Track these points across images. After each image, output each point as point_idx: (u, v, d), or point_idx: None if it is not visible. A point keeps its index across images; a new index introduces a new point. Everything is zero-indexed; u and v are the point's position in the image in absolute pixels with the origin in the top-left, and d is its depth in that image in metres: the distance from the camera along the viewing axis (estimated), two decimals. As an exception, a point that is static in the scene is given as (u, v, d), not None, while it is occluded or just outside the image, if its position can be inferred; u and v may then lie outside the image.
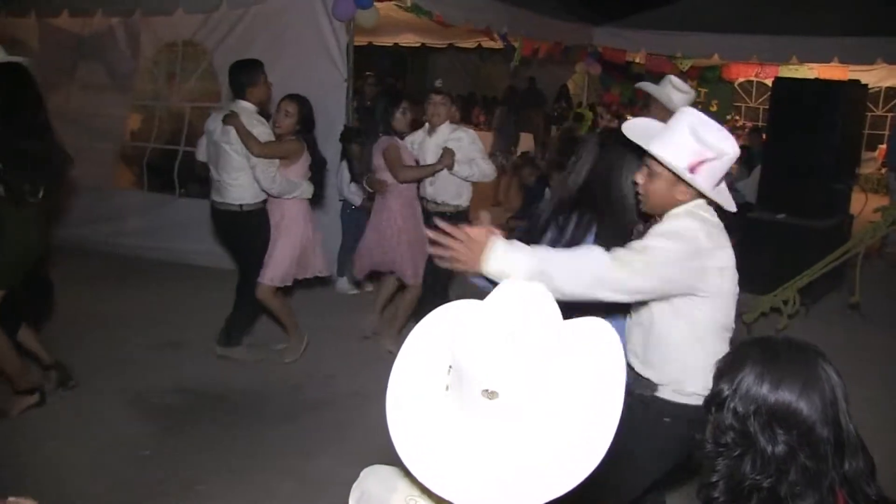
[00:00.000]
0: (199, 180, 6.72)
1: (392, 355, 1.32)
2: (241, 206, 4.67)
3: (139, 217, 7.29)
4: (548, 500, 1.11)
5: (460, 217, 5.03)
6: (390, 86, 8.28)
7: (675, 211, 2.30)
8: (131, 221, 7.31)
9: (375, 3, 6.25)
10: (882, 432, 3.28)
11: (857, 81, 7.93)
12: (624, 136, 2.32)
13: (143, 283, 6.43)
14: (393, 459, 1.25)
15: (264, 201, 4.73)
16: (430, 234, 2.15)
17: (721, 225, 2.34)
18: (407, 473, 1.21)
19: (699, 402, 2.20)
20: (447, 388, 1.24)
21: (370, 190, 5.20)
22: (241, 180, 4.63)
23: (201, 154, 4.97)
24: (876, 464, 1.49)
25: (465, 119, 14.44)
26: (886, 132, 12.90)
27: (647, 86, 4.34)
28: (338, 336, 5.42)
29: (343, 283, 6.40)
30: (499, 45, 9.41)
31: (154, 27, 7.21)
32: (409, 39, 11.82)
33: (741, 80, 15.23)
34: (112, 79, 7.51)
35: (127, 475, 3.65)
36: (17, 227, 3.96)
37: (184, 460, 3.80)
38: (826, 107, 6.58)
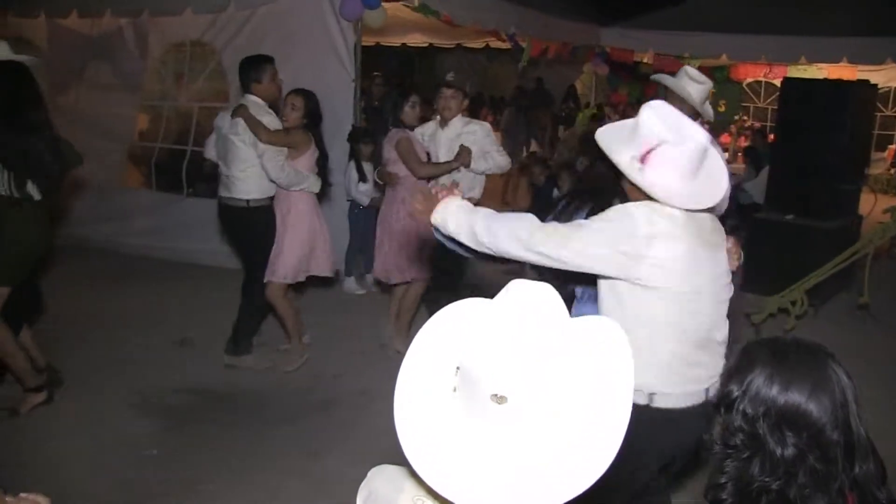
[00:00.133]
0: (206, 180, 6.74)
1: (399, 355, 1.32)
2: (248, 201, 4.66)
3: (147, 216, 7.32)
4: None
5: None
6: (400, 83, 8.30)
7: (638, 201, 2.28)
8: (139, 221, 7.33)
9: (383, 3, 6.26)
10: (890, 434, 3.26)
11: (866, 81, 7.89)
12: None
13: (149, 283, 6.45)
14: (400, 459, 1.25)
15: (272, 198, 4.72)
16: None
17: (701, 222, 2.26)
18: (414, 474, 1.21)
19: (645, 401, 2.23)
20: (455, 389, 1.24)
21: (381, 182, 5.19)
22: (249, 174, 4.62)
23: (210, 152, 4.97)
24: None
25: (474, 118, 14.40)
26: (896, 132, 12.86)
27: (663, 78, 4.31)
28: (345, 336, 5.43)
29: (350, 283, 6.40)
30: (506, 45, 9.40)
31: (162, 27, 7.24)
32: (416, 39, 11.81)
33: (749, 80, 15.20)
34: (120, 79, 7.54)
35: (130, 475, 3.66)
36: (18, 226, 3.98)
37: (187, 460, 3.81)
38: (835, 107, 6.55)
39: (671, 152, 2.15)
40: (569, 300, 2.67)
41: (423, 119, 5.32)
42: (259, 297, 4.79)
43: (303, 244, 4.72)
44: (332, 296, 6.06)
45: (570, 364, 1.18)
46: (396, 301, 5.26)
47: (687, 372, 2.29)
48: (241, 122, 4.54)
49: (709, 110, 4.23)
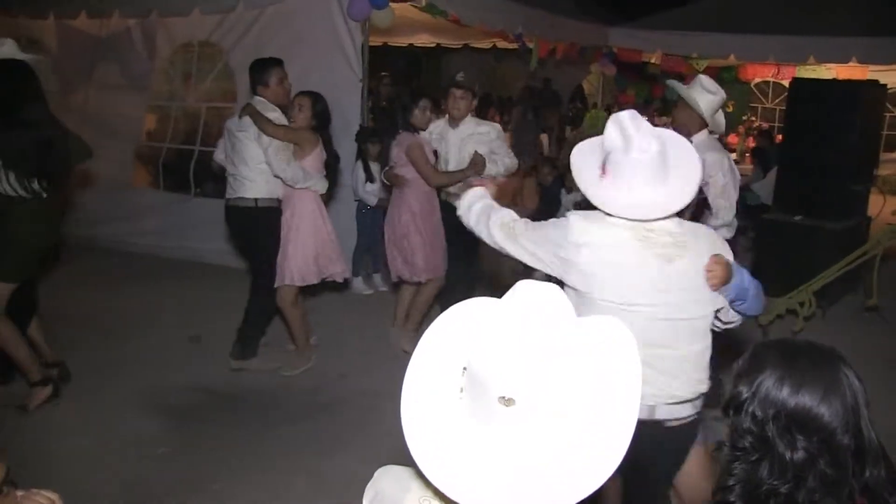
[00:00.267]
0: (214, 180, 6.76)
1: (407, 355, 1.32)
2: (256, 200, 4.66)
3: (154, 216, 7.35)
4: None
5: None
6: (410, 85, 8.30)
7: None
8: (146, 220, 7.36)
9: (391, 4, 6.26)
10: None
11: (875, 82, 7.86)
12: None
13: (157, 282, 6.47)
14: (407, 459, 1.25)
15: (280, 201, 4.73)
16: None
17: (654, 234, 2.23)
18: (421, 474, 1.21)
19: None
20: (462, 390, 1.23)
21: (388, 183, 5.19)
22: (257, 172, 4.63)
23: (219, 155, 4.97)
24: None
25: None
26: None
27: (676, 85, 4.30)
28: (352, 336, 5.43)
29: (358, 283, 6.41)
30: (514, 45, 9.39)
31: (170, 28, 7.26)
32: (424, 40, 11.82)
33: (758, 80, 15.15)
34: (129, 79, 7.56)
35: (141, 474, 3.67)
36: (21, 223, 4.00)
37: (193, 460, 3.82)
38: (844, 107, 6.53)
39: (618, 159, 2.18)
40: None
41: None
42: (265, 301, 4.78)
43: (307, 245, 4.69)
44: (340, 296, 6.06)
45: (576, 365, 1.17)
46: (403, 303, 5.26)
47: None
48: (248, 119, 4.55)
49: (719, 121, 4.17)
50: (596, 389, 1.18)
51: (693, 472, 2.61)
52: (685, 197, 2.22)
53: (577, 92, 14.00)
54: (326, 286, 5.29)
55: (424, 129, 5.06)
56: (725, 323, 2.44)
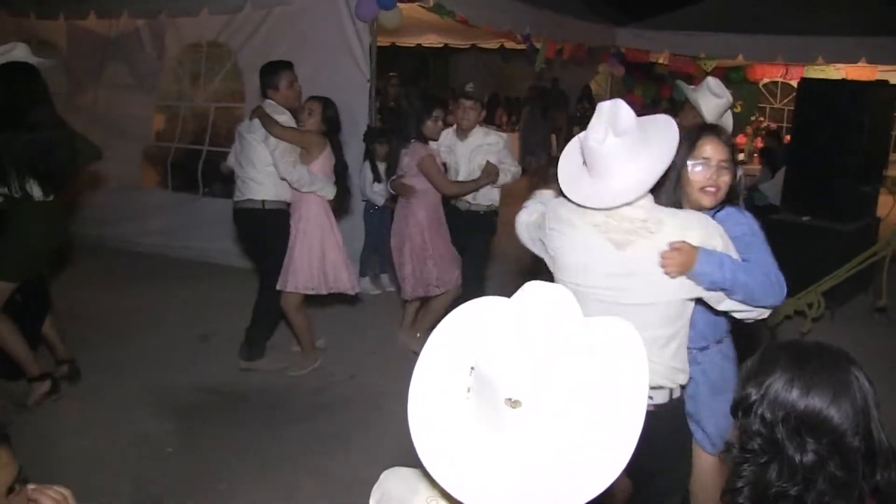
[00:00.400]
0: (222, 180, 6.78)
1: (415, 356, 1.32)
2: (263, 202, 4.67)
3: (162, 216, 7.37)
4: None
5: (492, 214, 5.17)
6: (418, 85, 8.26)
7: None
8: (155, 220, 7.38)
9: (398, 4, 6.26)
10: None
11: (885, 82, 7.81)
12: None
13: (165, 281, 6.49)
14: (411, 460, 1.25)
15: (288, 204, 4.72)
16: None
17: (609, 219, 2.29)
18: (428, 475, 1.20)
19: None
20: (469, 390, 1.23)
21: (394, 193, 5.19)
22: (264, 175, 4.63)
23: (230, 159, 4.98)
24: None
25: (489, 120, 14.38)
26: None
27: (684, 87, 4.32)
28: (360, 336, 5.44)
29: (365, 284, 6.41)
30: (521, 45, 9.38)
31: (179, 28, 7.28)
32: (431, 40, 11.82)
33: (766, 80, 15.08)
34: (138, 79, 7.58)
35: (149, 472, 3.69)
36: (24, 223, 4.02)
37: (205, 458, 3.83)
38: (853, 108, 6.49)
39: (576, 146, 2.34)
40: None
41: None
42: (273, 302, 4.79)
43: (314, 249, 4.67)
44: (347, 296, 6.05)
45: (583, 367, 1.17)
46: (410, 310, 5.25)
47: None
48: (257, 121, 4.57)
49: (727, 123, 4.18)
50: (602, 390, 1.18)
51: (709, 485, 2.62)
52: (640, 186, 2.22)
53: (585, 92, 13.97)
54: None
55: (436, 140, 5.06)
56: (734, 313, 2.40)
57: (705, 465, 2.78)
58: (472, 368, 1.22)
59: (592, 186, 2.27)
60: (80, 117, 5.92)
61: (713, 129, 2.65)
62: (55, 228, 4.26)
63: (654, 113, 2.49)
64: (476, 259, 5.17)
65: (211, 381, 4.69)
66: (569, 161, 2.40)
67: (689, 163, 2.56)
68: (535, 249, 2.63)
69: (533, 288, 1.23)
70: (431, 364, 1.30)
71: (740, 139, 14.60)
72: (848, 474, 1.37)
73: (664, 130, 2.27)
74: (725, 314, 2.47)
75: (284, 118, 4.60)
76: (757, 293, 2.31)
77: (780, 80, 14.59)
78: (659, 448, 2.51)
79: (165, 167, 7.60)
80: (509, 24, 8.41)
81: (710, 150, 2.55)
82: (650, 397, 2.33)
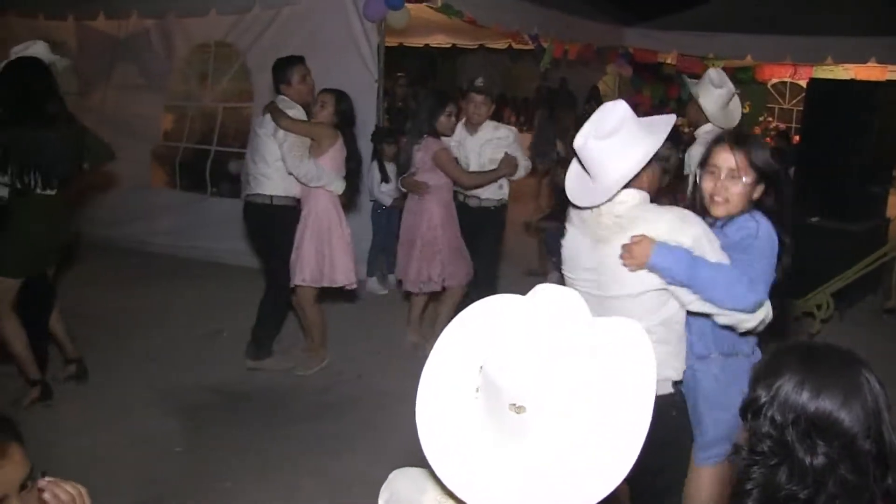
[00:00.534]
0: (230, 180, 6.79)
1: (420, 355, 1.32)
2: (272, 197, 4.67)
3: (171, 216, 7.38)
4: None
5: (502, 209, 5.19)
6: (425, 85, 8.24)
7: None
8: (163, 220, 7.40)
9: (406, 4, 6.26)
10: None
11: (894, 82, 7.78)
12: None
13: (173, 281, 6.51)
14: (421, 460, 1.24)
15: (298, 200, 4.72)
16: None
17: (595, 216, 2.41)
18: (437, 476, 1.21)
19: None
20: (478, 389, 1.23)
21: (405, 190, 5.18)
22: (274, 170, 4.63)
23: (241, 165, 4.99)
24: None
25: (496, 120, 14.36)
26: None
27: (687, 81, 4.38)
28: (367, 336, 5.44)
29: (373, 283, 6.42)
30: (529, 46, 9.37)
31: (187, 28, 7.30)
32: (439, 40, 11.80)
33: (774, 81, 15.03)
34: (147, 79, 7.61)
35: (154, 471, 3.70)
36: (24, 218, 4.02)
37: (211, 457, 3.84)
38: (862, 108, 6.47)
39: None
40: None
41: None
42: (278, 300, 4.79)
43: (321, 245, 4.65)
44: (354, 296, 6.07)
45: (590, 371, 1.16)
46: (416, 308, 5.25)
47: None
48: (268, 116, 4.57)
49: (733, 113, 4.20)
50: (604, 390, 1.17)
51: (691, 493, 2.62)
52: (618, 183, 2.30)
53: (592, 93, 13.93)
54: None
55: (449, 136, 5.05)
56: (716, 317, 2.40)
57: (692, 472, 2.75)
58: (481, 368, 1.22)
59: (584, 186, 2.42)
60: (90, 117, 5.92)
61: (728, 138, 2.60)
62: (56, 224, 4.23)
63: (662, 113, 2.50)
64: (489, 257, 5.19)
65: (217, 380, 4.70)
66: (573, 163, 2.51)
67: (698, 171, 2.57)
68: None
69: (542, 291, 1.23)
70: (442, 361, 1.30)
71: (749, 139, 14.52)
72: (858, 477, 1.35)
73: (657, 126, 2.33)
74: (750, 332, 2.48)
75: (294, 112, 4.60)
76: (719, 292, 2.30)
77: (789, 80, 14.54)
78: (655, 444, 2.50)
79: (174, 167, 7.62)
80: (517, 24, 8.41)
81: (719, 158, 2.53)
82: None
